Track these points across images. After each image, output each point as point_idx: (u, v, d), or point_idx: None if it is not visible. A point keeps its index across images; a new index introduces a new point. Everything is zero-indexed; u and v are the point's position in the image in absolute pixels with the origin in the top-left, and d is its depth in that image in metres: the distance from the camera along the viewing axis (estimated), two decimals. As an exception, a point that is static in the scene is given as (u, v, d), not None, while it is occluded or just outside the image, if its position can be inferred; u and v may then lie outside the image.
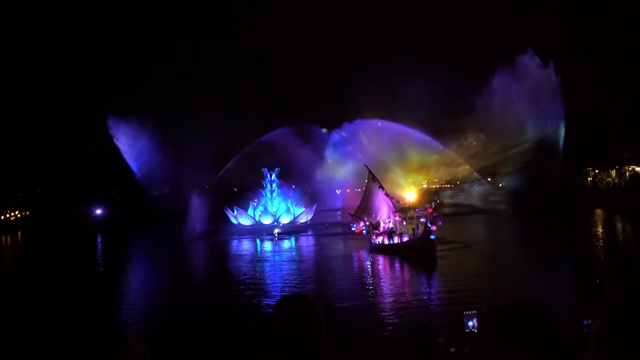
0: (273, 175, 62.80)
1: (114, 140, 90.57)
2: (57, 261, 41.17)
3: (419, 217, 36.44)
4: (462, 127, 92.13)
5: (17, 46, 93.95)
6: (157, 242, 54.00)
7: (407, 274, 32.30)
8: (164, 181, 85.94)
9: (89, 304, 24.25)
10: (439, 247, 34.99)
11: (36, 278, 33.43)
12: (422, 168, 79.82)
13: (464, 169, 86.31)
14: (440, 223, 34.93)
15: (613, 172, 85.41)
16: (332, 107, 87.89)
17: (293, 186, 66.22)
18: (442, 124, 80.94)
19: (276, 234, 54.11)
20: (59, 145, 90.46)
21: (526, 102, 76.76)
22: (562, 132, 78.25)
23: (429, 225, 33.78)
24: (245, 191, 66.13)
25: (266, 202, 61.32)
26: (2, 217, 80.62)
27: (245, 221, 59.35)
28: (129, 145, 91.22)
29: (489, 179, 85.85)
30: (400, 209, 39.20)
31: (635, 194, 64.62)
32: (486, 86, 77.45)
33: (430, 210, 35.48)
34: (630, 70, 73.84)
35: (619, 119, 73.72)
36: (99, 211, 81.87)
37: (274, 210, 60.41)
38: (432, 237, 33.55)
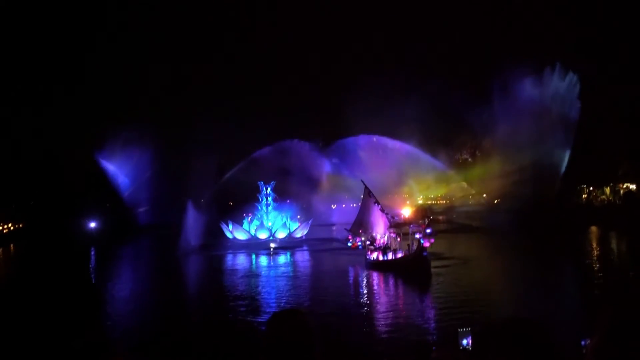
0: (269, 189, 62.48)
1: (103, 165, 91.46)
2: (48, 274, 40.74)
3: (414, 233, 36.37)
4: (458, 144, 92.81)
5: (13, 53, 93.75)
6: (150, 256, 53.66)
7: (401, 291, 32.14)
8: (154, 196, 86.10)
9: (78, 317, 23.98)
10: (437, 263, 34.84)
11: (26, 291, 33.04)
12: (418, 184, 79.96)
13: (460, 186, 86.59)
14: (432, 240, 34.85)
15: (607, 190, 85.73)
16: (328, 123, 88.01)
17: (288, 200, 66.04)
18: (438, 140, 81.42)
19: (272, 249, 53.78)
20: (54, 157, 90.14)
21: (526, 119, 76.94)
22: (567, 156, 78.45)
23: (422, 242, 33.72)
24: (241, 204, 65.86)
25: (262, 216, 61.03)
26: (-5, 230, 79.87)
27: (240, 235, 59.01)
28: (119, 164, 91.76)
29: (484, 195, 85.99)
30: (395, 225, 39.06)
31: (629, 211, 64.86)
32: (487, 104, 77.88)
33: (423, 226, 35.43)
34: (626, 88, 74.30)
35: (613, 136, 74.15)
36: (93, 224, 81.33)
37: (270, 224, 60.10)
38: (424, 253, 33.46)
